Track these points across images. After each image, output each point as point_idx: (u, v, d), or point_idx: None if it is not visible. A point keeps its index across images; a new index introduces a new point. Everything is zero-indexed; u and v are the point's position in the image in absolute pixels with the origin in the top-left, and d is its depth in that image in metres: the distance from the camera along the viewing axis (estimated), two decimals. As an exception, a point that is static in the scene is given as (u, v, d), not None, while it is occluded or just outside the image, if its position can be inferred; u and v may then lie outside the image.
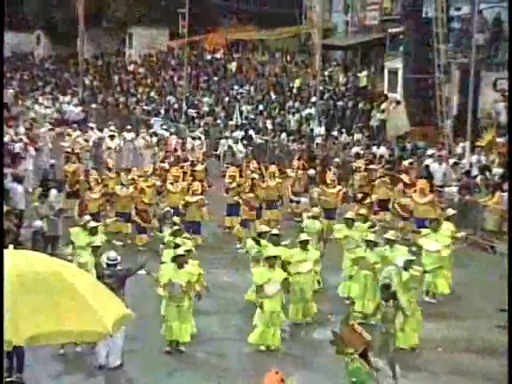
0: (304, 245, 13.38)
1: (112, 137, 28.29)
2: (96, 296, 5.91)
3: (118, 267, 11.81)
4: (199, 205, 18.41)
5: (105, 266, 11.75)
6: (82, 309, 5.68)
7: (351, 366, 8.17)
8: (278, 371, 7.50)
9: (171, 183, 19.74)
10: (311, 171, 23.14)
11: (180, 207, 18.50)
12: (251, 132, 31.33)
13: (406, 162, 23.63)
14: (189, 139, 29.31)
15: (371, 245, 13.68)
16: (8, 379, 10.67)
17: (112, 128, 29.88)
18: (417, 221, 18.22)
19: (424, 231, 15.43)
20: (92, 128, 30.94)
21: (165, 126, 33.40)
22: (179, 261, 12.11)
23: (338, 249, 15.58)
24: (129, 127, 30.86)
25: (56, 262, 6.25)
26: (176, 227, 14.83)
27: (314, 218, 15.84)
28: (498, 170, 20.85)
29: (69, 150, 24.62)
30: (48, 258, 6.40)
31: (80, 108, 39.89)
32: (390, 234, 13.92)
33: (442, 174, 22.19)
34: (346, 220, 15.43)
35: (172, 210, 17.38)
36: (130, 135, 29.47)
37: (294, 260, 13.23)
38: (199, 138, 29.45)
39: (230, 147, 28.92)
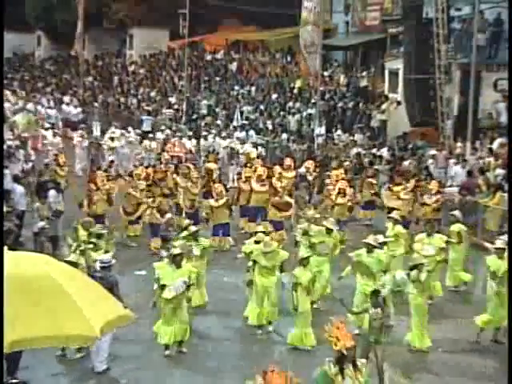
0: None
1: (112, 138, 28.44)
2: (87, 298, 5.77)
3: (111, 271, 11.71)
4: (226, 207, 18.53)
5: (98, 268, 11.68)
6: (69, 312, 5.55)
7: (321, 368, 8.09)
8: (274, 370, 7.40)
9: (192, 184, 19.77)
10: (302, 169, 22.98)
11: (204, 212, 18.76)
12: (252, 132, 31.36)
13: (406, 163, 23.69)
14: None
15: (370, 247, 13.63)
16: (13, 380, 10.67)
17: (113, 129, 30.06)
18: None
19: (418, 237, 15.39)
20: (91, 129, 31.08)
21: (163, 127, 33.38)
22: (176, 260, 12.12)
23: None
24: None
25: (48, 263, 6.09)
26: (186, 232, 14.77)
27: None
28: (500, 171, 20.82)
29: (58, 151, 24.71)
30: (40, 258, 6.26)
31: (80, 109, 39.89)
32: (371, 239, 13.73)
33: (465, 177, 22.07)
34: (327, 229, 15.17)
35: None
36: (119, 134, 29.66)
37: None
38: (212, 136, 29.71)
39: (232, 148, 28.90)
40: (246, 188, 20.15)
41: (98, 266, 11.71)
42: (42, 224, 16.34)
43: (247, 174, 20.64)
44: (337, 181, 20.13)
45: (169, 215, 16.65)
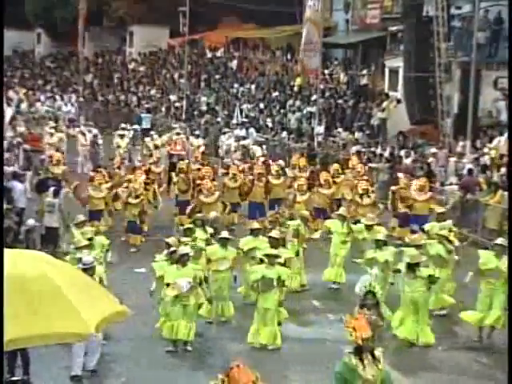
0: (224, 242, 13.50)
1: (122, 136, 28.51)
2: (82, 296, 5.80)
3: (94, 272, 11.61)
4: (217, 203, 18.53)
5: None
6: (64, 311, 5.58)
7: (341, 359, 8.05)
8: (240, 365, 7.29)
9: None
10: (280, 161, 22.82)
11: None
12: (252, 130, 31.35)
13: (407, 161, 23.67)
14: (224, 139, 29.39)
15: (381, 244, 13.70)
16: (13, 378, 10.65)
17: (123, 126, 30.13)
18: (415, 219, 18.34)
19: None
20: (88, 127, 31.01)
21: (176, 124, 33.33)
22: (183, 260, 12.13)
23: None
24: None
25: (48, 262, 6.11)
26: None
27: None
28: (503, 170, 20.77)
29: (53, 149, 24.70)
30: (40, 257, 6.27)
31: (74, 107, 39.82)
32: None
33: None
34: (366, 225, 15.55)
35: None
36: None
37: (214, 258, 13.42)
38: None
39: (244, 146, 28.92)
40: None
41: (79, 266, 11.57)
42: (32, 222, 16.30)
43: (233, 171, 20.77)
44: (333, 176, 20.22)
45: (214, 213, 16.50)
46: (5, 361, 10.21)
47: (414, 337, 12.47)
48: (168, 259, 12.52)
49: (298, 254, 15.13)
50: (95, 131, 30.21)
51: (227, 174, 20.95)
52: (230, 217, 19.77)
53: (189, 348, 12.21)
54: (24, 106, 38.54)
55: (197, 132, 31.22)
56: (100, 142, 29.17)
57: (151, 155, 24.14)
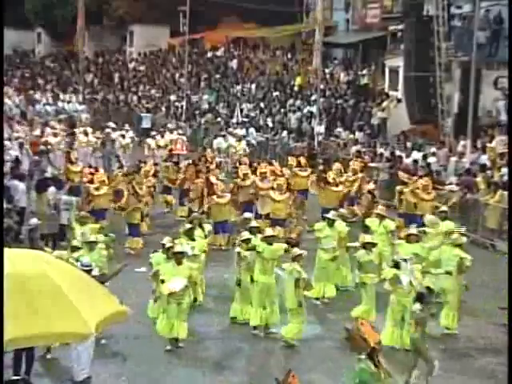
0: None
1: (123, 136, 28.54)
2: (82, 296, 5.81)
3: (93, 273, 11.62)
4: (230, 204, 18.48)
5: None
6: (65, 311, 5.60)
7: (357, 367, 8.02)
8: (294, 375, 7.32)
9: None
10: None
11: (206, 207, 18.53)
12: (252, 130, 31.36)
13: (407, 160, 23.67)
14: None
15: (369, 247, 13.53)
16: (13, 378, 10.65)
17: (125, 127, 30.21)
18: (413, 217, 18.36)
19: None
20: (105, 128, 31.03)
21: (171, 125, 33.34)
22: (178, 258, 12.15)
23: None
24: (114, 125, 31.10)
25: (48, 261, 6.12)
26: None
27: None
28: (505, 170, 20.78)
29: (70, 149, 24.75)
30: (40, 256, 6.29)
31: (83, 106, 39.89)
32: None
33: None
34: (328, 220, 15.10)
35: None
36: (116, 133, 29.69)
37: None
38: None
39: (252, 145, 28.84)
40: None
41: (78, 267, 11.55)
42: (34, 221, 16.30)
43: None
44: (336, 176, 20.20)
45: (248, 214, 16.33)
46: (9, 360, 10.24)
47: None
48: (165, 254, 12.57)
49: None
50: (107, 130, 30.25)
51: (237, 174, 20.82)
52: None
53: (180, 345, 12.21)
54: (42, 106, 38.80)
55: (223, 132, 31.02)
56: (117, 142, 29.12)
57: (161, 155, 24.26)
